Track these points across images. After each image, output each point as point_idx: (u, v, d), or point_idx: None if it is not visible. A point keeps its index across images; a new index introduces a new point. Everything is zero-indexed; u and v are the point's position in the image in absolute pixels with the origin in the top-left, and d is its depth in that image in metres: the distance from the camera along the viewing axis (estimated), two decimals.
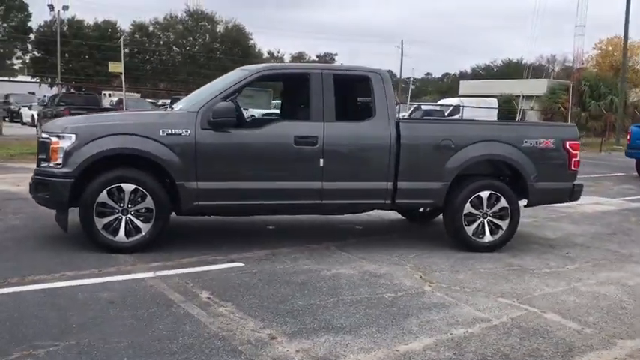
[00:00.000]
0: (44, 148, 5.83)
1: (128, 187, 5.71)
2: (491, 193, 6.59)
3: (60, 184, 5.65)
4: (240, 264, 5.66)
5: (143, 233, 5.80)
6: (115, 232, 5.75)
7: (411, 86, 46.17)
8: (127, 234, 5.77)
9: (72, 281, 4.88)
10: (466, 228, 6.57)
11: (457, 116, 34.28)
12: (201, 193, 5.88)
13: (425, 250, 6.55)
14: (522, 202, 6.89)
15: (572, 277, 5.82)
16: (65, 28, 59.55)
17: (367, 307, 4.63)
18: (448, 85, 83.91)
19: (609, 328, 4.44)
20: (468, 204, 6.54)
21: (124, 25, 71.26)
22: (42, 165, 5.84)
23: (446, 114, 33.92)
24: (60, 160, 5.66)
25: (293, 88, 7.06)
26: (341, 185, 6.21)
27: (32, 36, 61.72)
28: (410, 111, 34.88)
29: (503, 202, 6.63)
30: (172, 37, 70.41)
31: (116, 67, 19.66)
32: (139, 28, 69.47)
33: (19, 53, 62.90)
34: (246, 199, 6.03)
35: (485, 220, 6.63)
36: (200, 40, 70.80)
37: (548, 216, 9.21)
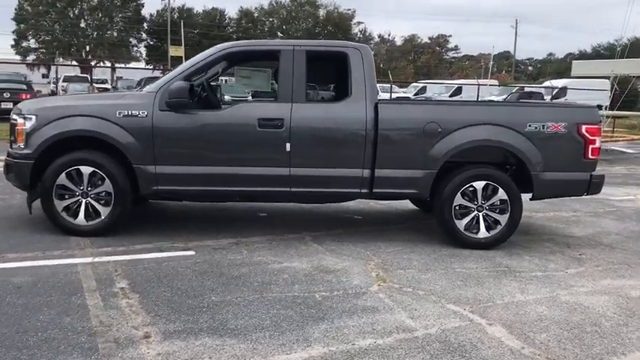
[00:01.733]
0: (12, 130, 5.87)
1: (86, 170, 5.60)
2: (487, 184, 5.80)
3: (22, 166, 5.65)
4: (192, 252, 5.38)
5: (102, 217, 5.68)
6: (75, 215, 5.67)
7: (490, 64, 43.18)
8: (87, 217, 5.68)
9: (1, 264, 4.84)
10: (456, 222, 5.84)
11: (562, 99, 31.78)
12: (159, 177, 5.65)
13: (410, 245, 5.91)
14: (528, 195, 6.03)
15: (563, 283, 4.97)
16: (176, 16, 62.37)
17: (284, 307, 4.17)
18: (567, 66, 78.46)
19: (556, 349, 3.67)
20: (458, 195, 5.80)
21: (232, 11, 73.52)
22: (12, 147, 5.88)
23: (548, 97, 31.53)
24: (23, 142, 5.67)
25: (264, 67, 6.62)
26: (310, 172, 5.72)
27: (145, 25, 65.29)
28: (510, 94, 32.87)
29: (501, 194, 5.81)
30: (276, 23, 71.59)
31: (176, 51, 20.13)
32: (245, 14, 71.31)
33: (135, 42, 66.80)
34: (207, 184, 5.71)
35: (481, 214, 5.86)
36: (303, 25, 71.39)
37: (593, 210, 8.11)
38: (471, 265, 5.35)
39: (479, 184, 5.79)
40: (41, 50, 60.95)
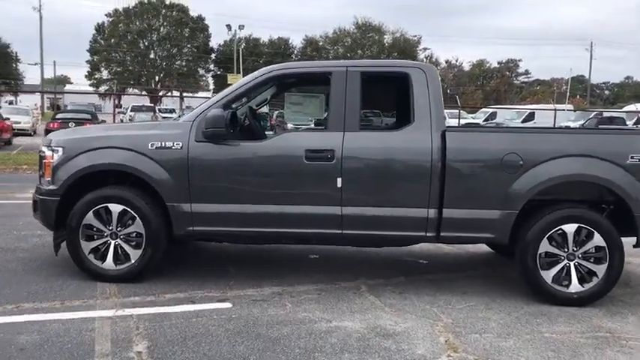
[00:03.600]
0: (40, 163, 5.38)
1: (116, 208, 5.01)
2: (579, 227, 4.81)
3: (47, 203, 5.14)
4: (228, 305, 4.65)
5: (132, 261, 5.05)
6: (103, 258, 5.08)
7: (568, 87, 40.96)
8: (116, 260, 5.07)
9: (13, 317, 4.25)
10: (542, 272, 4.86)
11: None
12: (195, 216, 4.99)
13: (485, 300, 4.97)
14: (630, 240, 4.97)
15: None
16: (242, 46, 63.56)
17: None
18: None
19: None
20: (544, 240, 4.84)
21: (297, 40, 74.36)
22: (41, 181, 5.39)
23: (630, 122, 29.40)
24: (50, 177, 5.16)
25: (313, 91, 5.91)
26: (365, 211, 4.91)
27: (213, 55, 66.84)
28: (588, 119, 31.03)
29: (597, 240, 4.80)
30: (341, 51, 71.67)
31: (235, 79, 19.97)
32: (310, 42, 71.84)
33: (202, 72, 68.44)
34: (247, 225, 5.00)
35: (572, 264, 4.86)
36: (368, 52, 71.13)
37: None
38: (563, 329, 4.35)
39: (570, 228, 4.81)
40: (113, 81, 63.33)
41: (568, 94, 59.61)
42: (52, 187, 5.09)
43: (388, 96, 5.75)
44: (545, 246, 4.85)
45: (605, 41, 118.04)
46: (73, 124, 20.57)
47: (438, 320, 4.46)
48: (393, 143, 4.92)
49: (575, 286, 4.85)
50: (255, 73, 5.22)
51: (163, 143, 4.96)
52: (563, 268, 4.86)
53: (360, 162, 4.89)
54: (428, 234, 4.94)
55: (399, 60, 4.48)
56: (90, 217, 5.02)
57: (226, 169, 4.96)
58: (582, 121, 31.21)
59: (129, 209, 5.00)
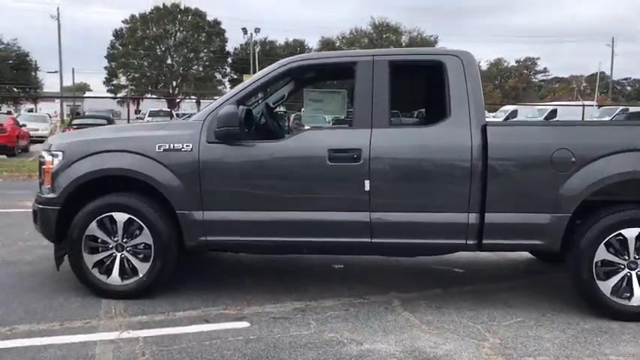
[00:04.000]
0: (40, 169, 4.94)
1: (121, 217, 4.55)
2: None
3: (47, 212, 4.69)
4: (245, 324, 4.15)
5: (140, 275, 4.58)
6: (109, 272, 4.62)
7: (597, 83, 39.95)
8: (122, 275, 4.61)
9: (5, 342, 3.78)
10: (599, 283, 4.29)
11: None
12: (208, 225, 4.51)
13: (534, 315, 4.41)
14: None
15: None
16: (258, 49, 63.30)
17: None
18: None
19: None
20: (601, 247, 4.27)
21: (313, 41, 74.01)
22: (41, 189, 4.94)
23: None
24: (49, 184, 4.71)
25: (335, 86, 5.39)
26: (397, 217, 4.38)
27: (229, 59, 66.73)
28: (614, 115, 30.05)
29: None
30: None
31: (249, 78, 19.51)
32: (327, 43, 71.35)
33: (219, 76, 68.33)
34: (265, 234, 4.50)
35: (634, 273, 4.29)
36: None
37: None
38: (630, 350, 3.78)
39: (631, 232, 4.24)
40: (131, 87, 63.52)
41: (597, 90, 58.35)
42: (51, 195, 4.65)
43: (420, 87, 5.23)
44: (602, 253, 4.28)
45: (625, 39, 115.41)
46: None
47: (484, 340, 3.91)
48: (427, 140, 4.39)
49: (638, 299, 4.27)
50: (272, 66, 4.71)
51: (172, 145, 4.49)
52: (623, 279, 4.29)
53: (390, 162, 4.36)
54: (468, 242, 4.39)
55: (432, 47, 4.09)
56: (93, 228, 4.56)
57: (241, 173, 4.46)
58: (608, 118, 30.25)
59: (135, 218, 4.53)
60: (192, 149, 4.46)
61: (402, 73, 4.65)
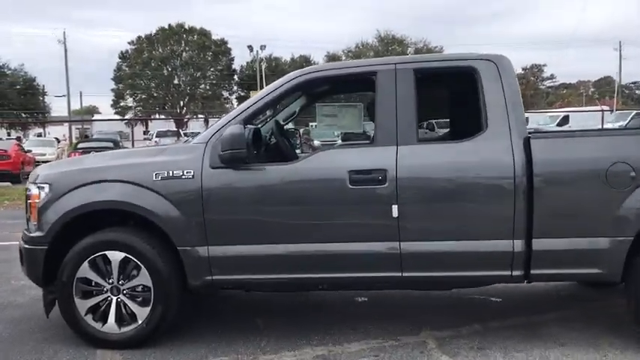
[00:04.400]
0: (26, 203, 4.42)
1: (116, 256, 4.01)
2: None
3: (33, 253, 4.16)
4: None
5: (139, 321, 4.03)
6: (104, 318, 4.07)
7: (617, 87, 39.37)
8: (119, 321, 4.05)
9: None
10: None
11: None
12: (214, 262, 3.96)
13: (594, 355, 3.80)
14: None
15: None
16: (264, 66, 63.15)
17: None
18: None
19: None
20: None
21: (318, 57, 73.94)
22: (28, 226, 4.42)
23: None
24: (36, 221, 4.19)
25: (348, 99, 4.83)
26: (429, 247, 3.82)
27: (236, 77, 66.63)
28: (629, 119, 29.25)
29: None
30: None
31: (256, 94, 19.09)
32: (332, 58, 71.16)
33: (226, 94, 68.18)
34: (279, 270, 3.95)
35: None
36: None
37: None
38: None
39: None
40: (138, 108, 63.46)
41: (616, 94, 57.56)
42: (38, 233, 4.12)
43: (451, 97, 4.68)
44: None
45: (631, 43, 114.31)
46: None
47: None
48: (462, 157, 3.82)
49: None
50: (282, 80, 4.18)
51: (170, 172, 3.96)
52: None
53: (420, 183, 3.81)
54: (514, 273, 3.81)
55: (462, 52, 3.66)
56: (85, 269, 4.02)
57: (250, 201, 3.92)
58: (622, 122, 29.48)
59: (132, 257, 3.99)
60: (193, 176, 3.93)
61: (429, 82, 4.12)
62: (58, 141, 48.60)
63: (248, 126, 4.03)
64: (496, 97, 3.87)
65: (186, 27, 63.17)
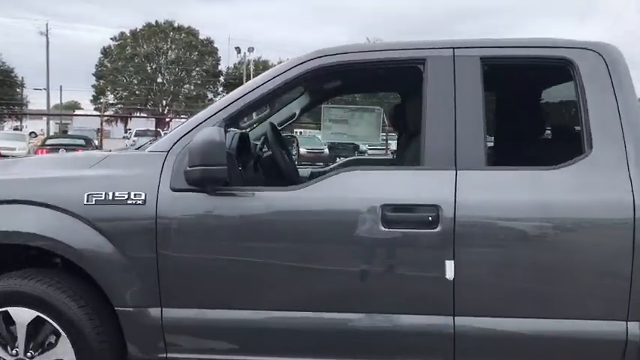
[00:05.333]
0: None
1: (23, 316, 2.65)
2: None
3: None
4: None
5: None
6: None
7: None
8: None
9: None
10: None
11: None
12: (171, 331, 2.62)
13: None
14: None
15: None
16: (252, 69, 61.76)
17: None
18: None
19: None
20: None
21: None
22: None
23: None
24: None
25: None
26: (500, 326, 2.51)
27: (222, 78, 65.19)
28: None
29: None
30: None
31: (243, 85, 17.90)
32: None
33: (211, 95, 66.68)
34: (273, 349, 2.62)
35: None
36: None
37: None
38: None
39: None
40: (119, 105, 61.66)
41: None
42: None
43: (534, 101, 3.38)
44: None
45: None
46: (64, 151, 18.35)
47: None
48: (554, 192, 2.52)
49: None
50: (282, 66, 2.82)
51: (110, 194, 2.61)
52: None
53: (491, 230, 2.50)
54: None
55: (552, 38, 2.67)
56: None
57: (230, 243, 2.59)
58: None
59: (47, 318, 2.64)
60: (144, 201, 2.59)
61: (502, 78, 2.83)
62: (35, 135, 46.77)
63: (232, 130, 2.72)
64: (603, 104, 2.59)
65: (175, 25, 61.64)
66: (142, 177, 2.63)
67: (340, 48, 2.78)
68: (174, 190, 2.59)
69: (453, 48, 2.70)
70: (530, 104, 3.29)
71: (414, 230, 2.50)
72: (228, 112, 2.71)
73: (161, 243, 2.58)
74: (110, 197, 2.60)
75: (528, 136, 3.24)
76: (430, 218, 2.48)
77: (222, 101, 2.80)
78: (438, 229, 2.47)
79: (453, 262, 2.47)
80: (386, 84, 3.83)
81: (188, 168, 2.51)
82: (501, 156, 2.79)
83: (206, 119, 2.71)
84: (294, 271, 2.57)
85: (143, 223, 2.58)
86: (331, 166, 4.44)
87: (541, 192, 2.51)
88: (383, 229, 2.49)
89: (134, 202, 2.59)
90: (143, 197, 2.59)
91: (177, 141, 2.69)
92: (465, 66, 2.65)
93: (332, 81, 3.51)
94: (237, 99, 2.75)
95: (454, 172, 2.54)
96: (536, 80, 3.31)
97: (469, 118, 2.59)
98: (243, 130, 3.18)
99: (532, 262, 2.48)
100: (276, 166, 3.09)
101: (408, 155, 3.02)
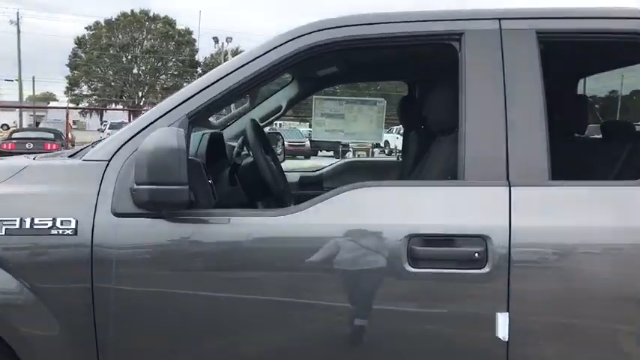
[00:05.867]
0: None
1: None
2: None
3: None
4: None
5: None
6: None
7: None
8: None
9: None
10: None
11: None
12: None
13: None
14: None
15: None
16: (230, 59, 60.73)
17: None
18: None
19: None
20: None
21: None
22: None
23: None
24: None
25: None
26: None
27: (199, 69, 64.00)
28: None
29: None
30: None
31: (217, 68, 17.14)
32: None
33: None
34: None
35: None
36: None
37: None
38: None
39: None
40: (94, 97, 60.15)
41: None
42: None
43: (611, 90, 2.71)
44: None
45: None
46: (31, 145, 17.35)
47: None
48: None
49: None
50: (272, 41, 2.06)
51: (26, 221, 1.86)
52: None
53: (561, 269, 1.80)
54: None
55: (625, 7, 2.10)
56: None
57: (196, 294, 1.86)
58: None
59: None
60: (76, 231, 1.84)
61: (563, 58, 2.11)
62: (7, 127, 45.31)
63: (199, 130, 1.99)
64: None
65: (151, 15, 60.24)
66: (72, 197, 1.89)
67: (348, 19, 2.04)
68: (117, 214, 1.85)
69: (499, 19, 1.99)
70: (608, 93, 2.63)
71: (452, 271, 1.79)
72: (192, 105, 1.97)
73: (99, 289, 1.84)
74: (27, 225, 1.85)
75: (602, 135, 2.54)
76: (476, 254, 1.77)
77: (185, 90, 2.05)
78: (487, 269, 1.77)
79: (507, 315, 1.77)
80: (403, 68, 3.05)
81: (136, 186, 1.78)
82: (578, 167, 2.07)
83: (162, 115, 1.97)
84: (288, 333, 1.85)
85: (73, 261, 1.84)
86: (323, 170, 3.73)
87: (628, 215, 1.82)
88: (409, 269, 1.78)
89: (61, 231, 1.84)
90: (73, 225, 1.84)
91: (122, 146, 1.95)
92: (518, 42, 1.95)
93: (332, 64, 2.77)
94: (206, 87, 2.00)
95: (507, 188, 1.83)
96: (611, 60, 2.58)
97: (525, 113, 1.89)
98: (216, 130, 2.46)
99: (622, 316, 1.79)
100: (259, 176, 2.35)
101: (434, 162, 2.31)
